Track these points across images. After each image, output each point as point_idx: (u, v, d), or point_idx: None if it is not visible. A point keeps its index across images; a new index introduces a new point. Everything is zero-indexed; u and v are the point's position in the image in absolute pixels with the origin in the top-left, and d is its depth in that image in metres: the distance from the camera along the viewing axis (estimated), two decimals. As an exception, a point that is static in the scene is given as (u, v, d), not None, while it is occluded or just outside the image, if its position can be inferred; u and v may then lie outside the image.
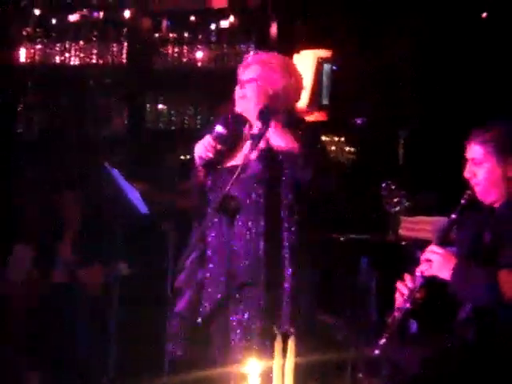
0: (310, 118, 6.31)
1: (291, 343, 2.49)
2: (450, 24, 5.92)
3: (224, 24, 6.90)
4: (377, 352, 3.29)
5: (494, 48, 5.89)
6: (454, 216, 3.43)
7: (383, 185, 4.74)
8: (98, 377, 4.90)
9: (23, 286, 5.55)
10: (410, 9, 6.12)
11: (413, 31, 6.02)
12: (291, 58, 6.27)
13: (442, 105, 5.81)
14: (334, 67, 6.01)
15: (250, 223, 3.71)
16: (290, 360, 2.50)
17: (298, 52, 6.29)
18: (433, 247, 3.37)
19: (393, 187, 4.70)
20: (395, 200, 4.72)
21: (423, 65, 5.94)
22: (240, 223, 3.74)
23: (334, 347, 4.28)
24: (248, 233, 3.71)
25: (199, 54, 6.79)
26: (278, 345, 2.49)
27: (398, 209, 4.74)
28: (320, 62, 6.18)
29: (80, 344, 5.20)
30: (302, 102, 6.28)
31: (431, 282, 3.37)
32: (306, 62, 6.25)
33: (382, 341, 3.31)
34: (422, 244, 3.54)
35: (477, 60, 5.80)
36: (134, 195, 4.92)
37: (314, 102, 6.19)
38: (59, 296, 5.37)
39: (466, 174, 3.47)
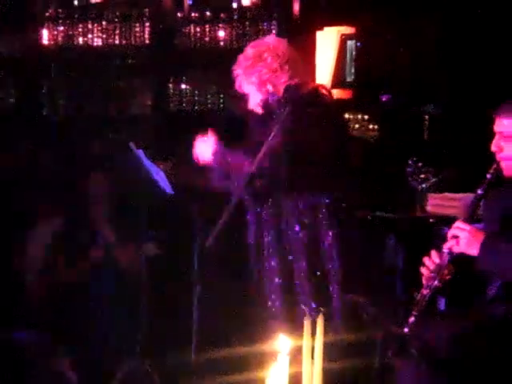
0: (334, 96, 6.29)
1: (321, 322, 2.48)
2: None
3: (246, 2, 6.85)
4: (406, 330, 3.27)
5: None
6: (480, 192, 3.39)
7: (409, 162, 4.72)
8: (127, 353, 4.92)
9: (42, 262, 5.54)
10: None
11: (439, 5, 5.95)
12: (314, 34, 6.26)
13: (468, 80, 5.75)
14: (358, 44, 5.97)
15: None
16: (320, 339, 2.49)
17: (321, 29, 6.26)
18: (459, 223, 3.34)
19: (419, 164, 4.68)
20: (422, 176, 4.69)
21: (449, 40, 5.88)
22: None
23: (361, 326, 4.27)
24: None
25: (221, 33, 6.76)
26: (307, 324, 2.49)
27: (424, 185, 4.71)
28: (343, 39, 6.14)
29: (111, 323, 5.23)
30: (326, 79, 6.29)
31: (459, 259, 3.35)
32: (329, 38, 6.21)
33: (411, 319, 3.30)
34: (449, 221, 3.51)
35: (505, 34, 5.73)
36: (158, 175, 4.92)
37: (338, 80, 6.15)
38: (97, 275, 5.39)
39: (493, 147, 3.43)
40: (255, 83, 4.03)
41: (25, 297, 5.44)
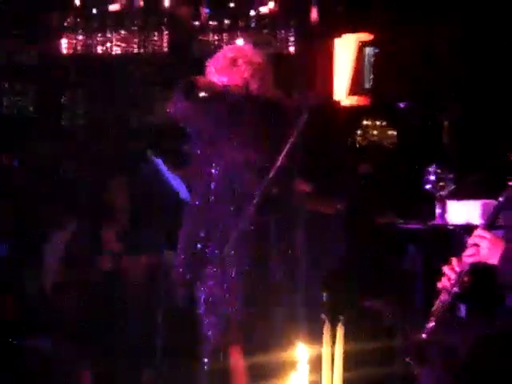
0: (352, 102, 6.29)
1: (340, 330, 2.48)
2: (493, 5, 5.83)
3: (264, 10, 6.86)
4: (424, 336, 3.26)
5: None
6: (501, 199, 3.37)
7: (429, 169, 4.69)
8: (146, 362, 4.93)
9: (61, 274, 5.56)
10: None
11: (455, 13, 5.93)
12: (332, 41, 6.27)
13: (488, 85, 5.73)
14: (376, 50, 5.97)
15: None
16: (339, 347, 2.49)
17: (339, 36, 6.26)
18: (480, 231, 3.32)
19: (439, 171, 4.65)
20: (441, 184, 4.67)
21: (466, 46, 5.86)
22: None
23: (381, 333, 4.27)
24: None
25: (239, 41, 6.77)
26: (326, 332, 2.48)
27: (443, 193, 4.68)
28: (361, 46, 6.14)
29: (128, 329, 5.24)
30: (344, 85, 6.29)
31: (479, 267, 3.33)
32: (347, 45, 6.22)
33: (430, 325, 3.28)
34: (470, 228, 3.49)
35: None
36: (177, 183, 4.93)
37: (356, 86, 6.16)
38: (105, 283, 5.40)
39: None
40: (224, 83, 4.21)
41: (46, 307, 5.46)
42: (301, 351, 2.49)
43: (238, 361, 4.20)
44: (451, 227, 4.63)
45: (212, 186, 4.20)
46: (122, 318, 5.27)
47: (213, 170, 4.21)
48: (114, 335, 5.17)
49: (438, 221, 4.70)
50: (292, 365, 2.67)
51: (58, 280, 5.50)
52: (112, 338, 5.15)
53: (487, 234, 3.28)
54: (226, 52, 4.32)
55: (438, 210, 4.69)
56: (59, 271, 5.51)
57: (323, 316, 2.60)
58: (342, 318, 2.60)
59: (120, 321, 5.25)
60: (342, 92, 6.33)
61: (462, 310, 3.75)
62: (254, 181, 4.05)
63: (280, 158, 3.72)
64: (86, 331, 5.11)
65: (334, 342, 2.70)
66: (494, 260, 3.25)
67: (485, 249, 3.27)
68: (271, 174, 3.74)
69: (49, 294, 5.49)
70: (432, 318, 3.28)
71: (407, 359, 3.19)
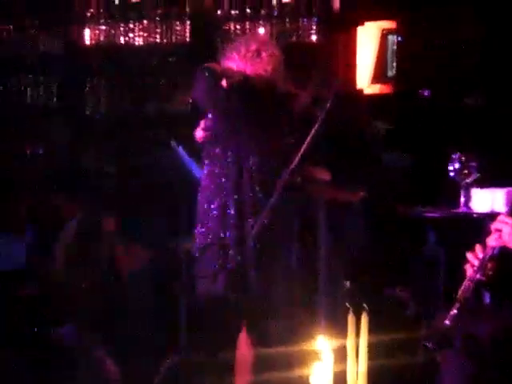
0: (374, 91, 6.28)
1: (365, 319, 2.47)
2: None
3: (286, -1, 6.83)
4: (447, 323, 3.24)
5: None
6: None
7: (453, 156, 4.67)
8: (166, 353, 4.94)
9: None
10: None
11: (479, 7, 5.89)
12: (354, 30, 6.25)
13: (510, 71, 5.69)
14: (399, 38, 5.94)
15: None
16: (364, 336, 2.48)
17: (361, 24, 6.24)
18: (503, 217, 3.31)
19: (463, 158, 4.62)
20: (465, 171, 4.64)
21: (490, 31, 5.81)
22: None
23: (404, 322, 4.26)
24: None
25: (261, 30, 6.75)
26: (350, 320, 2.48)
27: (468, 180, 4.66)
28: (384, 34, 6.12)
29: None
30: (367, 73, 6.27)
31: (504, 253, 3.31)
32: (369, 34, 6.20)
33: (453, 311, 3.27)
34: (494, 216, 3.47)
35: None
36: (198, 172, 4.94)
37: (379, 74, 6.14)
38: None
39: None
40: (244, 73, 4.28)
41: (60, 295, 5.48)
42: (324, 341, 2.49)
43: (246, 351, 4.23)
44: (475, 215, 4.61)
45: (229, 169, 4.26)
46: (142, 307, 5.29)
47: (229, 155, 4.27)
48: (135, 324, 5.20)
49: (462, 209, 4.68)
50: (316, 355, 2.67)
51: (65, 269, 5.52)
52: (133, 327, 5.17)
53: (510, 220, 3.27)
54: (250, 42, 4.36)
55: (462, 198, 4.66)
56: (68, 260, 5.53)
57: (347, 305, 2.60)
58: (366, 306, 2.59)
59: (140, 310, 5.28)
60: (364, 80, 6.32)
61: (487, 298, 3.73)
62: (270, 169, 4.11)
63: (304, 147, 3.73)
64: (108, 320, 5.14)
65: (358, 331, 2.69)
66: (516, 246, 3.23)
67: (507, 234, 3.25)
68: (295, 163, 3.75)
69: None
70: (455, 305, 3.27)
71: (429, 345, 3.18)
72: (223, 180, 4.30)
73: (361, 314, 2.61)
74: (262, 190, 4.20)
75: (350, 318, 2.53)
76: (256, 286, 4.18)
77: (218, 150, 4.33)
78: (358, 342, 2.63)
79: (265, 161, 4.24)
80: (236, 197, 4.26)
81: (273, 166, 4.16)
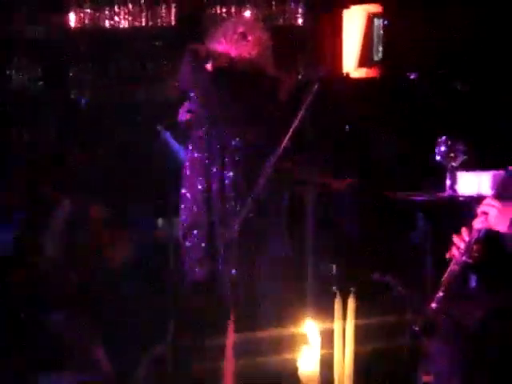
0: (361, 75, 6.26)
1: (352, 303, 2.47)
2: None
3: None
4: (434, 305, 3.26)
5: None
6: (511, 168, 3.37)
7: (439, 139, 4.68)
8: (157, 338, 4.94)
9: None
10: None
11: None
12: (340, 13, 6.22)
13: (498, 55, 5.69)
14: (385, 22, 5.92)
15: None
16: (351, 320, 2.49)
17: (347, 7, 6.21)
18: (489, 200, 3.32)
19: (449, 142, 4.63)
20: (452, 155, 4.65)
21: (478, 14, 5.81)
22: None
23: (391, 306, 4.27)
24: None
25: (247, 14, 6.72)
26: (337, 304, 2.48)
27: (455, 164, 4.67)
28: (370, 17, 6.10)
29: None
30: (353, 57, 6.25)
31: (489, 235, 3.33)
32: (355, 17, 6.18)
33: (439, 294, 3.28)
34: (480, 199, 3.49)
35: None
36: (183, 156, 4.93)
37: (365, 58, 6.12)
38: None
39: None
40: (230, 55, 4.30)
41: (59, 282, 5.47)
42: (311, 325, 2.49)
43: (229, 337, 4.25)
44: (462, 198, 4.62)
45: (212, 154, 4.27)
46: (133, 293, 5.29)
47: (213, 138, 4.28)
48: (126, 311, 5.19)
49: (448, 192, 4.69)
50: (303, 338, 2.67)
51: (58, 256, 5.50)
52: (123, 314, 5.17)
53: (496, 203, 3.29)
54: (237, 25, 4.36)
55: (448, 182, 4.68)
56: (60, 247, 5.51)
57: (334, 289, 2.60)
58: (353, 290, 2.59)
59: (131, 296, 5.27)
60: (351, 64, 6.30)
61: (473, 281, 3.75)
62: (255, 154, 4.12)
63: (290, 133, 3.72)
64: (98, 306, 5.13)
65: (344, 315, 2.70)
66: (502, 227, 3.25)
67: (493, 216, 3.27)
68: (281, 149, 3.74)
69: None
70: (442, 288, 3.29)
71: (415, 328, 3.19)
72: (207, 162, 4.30)
73: (347, 297, 2.62)
74: (245, 174, 4.21)
75: (337, 302, 2.53)
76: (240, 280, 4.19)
77: (200, 133, 4.33)
78: (345, 325, 2.63)
79: (249, 145, 4.24)
80: (219, 181, 4.27)
81: (258, 150, 4.15)
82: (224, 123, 4.27)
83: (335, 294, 2.60)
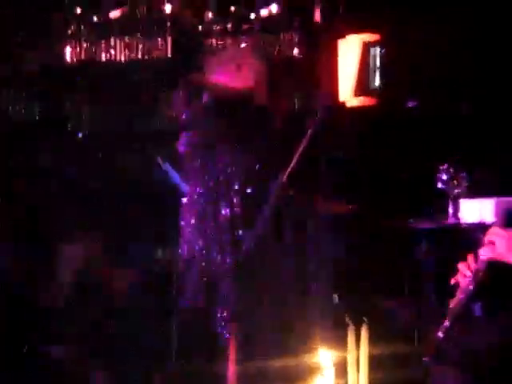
0: (358, 103, 6.28)
1: (365, 333, 2.46)
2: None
3: (265, 13, 6.83)
4: (440, 335, 3.24)
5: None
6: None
7: (441, 167, 4.69)
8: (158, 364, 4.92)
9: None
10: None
11: (464, 8, 5.91)
12: (336, 43, 6.25)
13: (497, 81, 5.72)
14: (382, 50, 5.95)
15: None
16: (364, 350, 2.47)
17: (343, 37, 6.25)
18: (496, 229, 3.31)
19: (451, 169, 4.64)
20: (454, 182, 4.66)
21: (476, 41, 5.85)
22: None
23: (398, 335, 4.25)
24: None
25: (243, 44, 6.74)
26: (351, 335, 2.47)
27: (457, 191, 4.68)
28: (366, 46, 6.13)
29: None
30: (350, 87, 6.27)
31: (495, 265, 3.32)
32: (351, 46, 6.20)
33: (446, 323, 3.27)
34: (484, 227, 3.48)
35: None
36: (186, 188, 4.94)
37: (362, 87, 6.14)
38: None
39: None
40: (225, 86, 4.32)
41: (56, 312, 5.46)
42: (325, 355, 2.47)
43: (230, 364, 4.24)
44: (465, 226, 4.62)
45: (210, 185, 4.28)
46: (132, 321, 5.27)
47: (209, 169, 4.29)
48: (125, 338, 5.18)
49: (451, 220, 4.70)
50: (313, 369, 2.66)
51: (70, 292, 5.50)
52: (123, 341, 5.15)
53: (503, 232, 3.28)
54: (232, 56, 4.39)
55: (450, 209, 4.68)
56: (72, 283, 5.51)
57: (347, 319, 2.59)
58: (365, 320, 2.58)
59: (130, 324, 5.26)
60: (347, 93, 6.32)
61: (477, 310, 3.74)
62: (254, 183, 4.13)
63: (293, 161, 3.73)
64: (98, 334, 5.12)
65: (350, 344, 2.68)
66: (510, 257, 3.24)
67: (501, 246, 3.25)
68: (285, 177, 3.74)
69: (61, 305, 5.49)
70: (448, 317, 3.27)
71: (425, 359, 3.18)
72: (204, 194, 4.30)
73: (360, 327, 2.60)
74: (242, 204, 4.21)
75: (351, 332, 2.52)
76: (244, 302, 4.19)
77: (197, 164, 4.34)
78: (357, 355, 2.62)
79: (245, 175, 4.25)
80: (217, 212, 4.27)
81: (254, 180, 4.16)
82: (220, 153, 4.28)
83: (348, 324, 2.59)
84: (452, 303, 3.31)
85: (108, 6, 6.94)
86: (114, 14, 6.92)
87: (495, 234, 3.28)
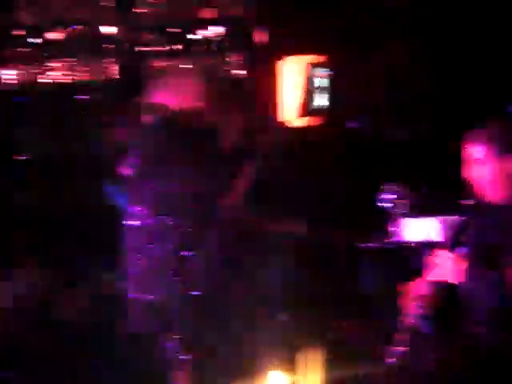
0: (302, 123, 6.33)
1: (315, 355, 2.47)
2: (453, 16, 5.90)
3: (210, 34, 6.87)
4: (393, 361, 3.27)
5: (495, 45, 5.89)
6: (464, 218, 3.41)
7: (384, 186, 4.72)
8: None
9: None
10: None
11: (412, 32, 6.00)
12: (279, 64, 6.30)
13: (443, 103, 5.81)
14: (327, 71, 6.01)
15: None
16: (315, 372, 2.48)
17: (286, 58, 6.30)
18: (443, 252, 3.36)
19: (395, 188, 4.67)
20: (397, 201, 4.69)
21: (424, 65, 5.94)
22: None
23: (348, 359, 4.25)
24: None
25: (188, 65, 6.76)
26: (301, 357, 2.47)
27: (400, 210, 4.71)
28: (309, 67, 6.19)
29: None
30: (293, 107, 6.32)
31: (444, 285, 3.36)
32: (295, 67, 6.26)
33: (398, 349, 3.30)
34: (428, 245, 3.52)
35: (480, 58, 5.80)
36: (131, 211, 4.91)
37: (306, 107, 6.20)
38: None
39: (468, 173, 3.45)
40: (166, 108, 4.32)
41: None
42: (277, 378, 2.47)
43: None
44: (409, 245, 4.65)
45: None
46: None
47: (155, 192, 4.28)
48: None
49: (394, 239, 4.72)
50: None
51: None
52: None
53: (450, 254, 3.32)
54: (177, 77, 4.41)
55: (394, 228, 4.70)
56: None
57: (297, 342, 2.59)
58: (316, 342, 2.59)
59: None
60: (292, 113, 6.36)
61: (427, 327, 3.76)
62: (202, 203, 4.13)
63: (244, 182, 3.74)
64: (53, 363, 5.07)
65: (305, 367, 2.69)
66: (456, 279, 3.28)
67: (447, 269, 3.30)
68: (233, 198, 3.75)
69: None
70: (398, 342, 3.30)
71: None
72: (150, 215, 4.29)
73: (310, 350, 2.61)
74: (190, 226, 4.21)
75: (301, 355, 2.52)
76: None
77: (143, 187, 4.33)
78: (307, 377, 2.62)
79: (193, 196, 4.24)
80: (165, 233, 4.26)
81: (203, 201, 4.16)
82: (166, 174, 4.28)
83: (297, 346, 2.59)
84: (401, 327, 3.34)
85: (49, 28, 6.91)
86: (60, 35, 6.88)
87: (442, 257, 3.33)
